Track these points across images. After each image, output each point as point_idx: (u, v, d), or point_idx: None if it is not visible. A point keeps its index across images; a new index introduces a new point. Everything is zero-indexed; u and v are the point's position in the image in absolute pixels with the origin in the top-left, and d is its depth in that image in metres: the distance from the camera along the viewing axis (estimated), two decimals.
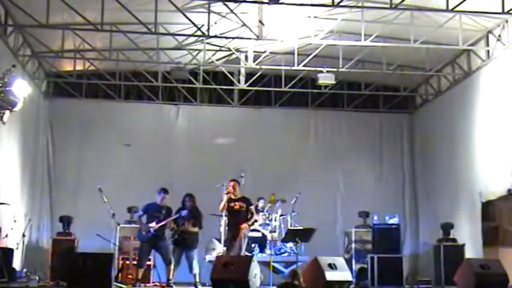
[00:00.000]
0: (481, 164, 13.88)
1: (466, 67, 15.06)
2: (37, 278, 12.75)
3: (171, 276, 12.03)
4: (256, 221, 13.06)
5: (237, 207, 12.24)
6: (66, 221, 14.35)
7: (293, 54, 14.74)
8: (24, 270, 13.10)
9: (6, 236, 11.90)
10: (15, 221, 13.02)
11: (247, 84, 16.63)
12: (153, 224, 11.91)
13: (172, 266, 12.01)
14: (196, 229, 12.24)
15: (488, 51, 14.04)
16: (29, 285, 11.52)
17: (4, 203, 11.30)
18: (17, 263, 13.00)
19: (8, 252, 12.00)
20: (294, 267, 12.54)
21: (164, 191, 12.38)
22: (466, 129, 14.69)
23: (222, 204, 12.22)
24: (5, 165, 13.09)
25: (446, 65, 15.88)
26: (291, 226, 13.71)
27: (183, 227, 12.18)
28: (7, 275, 10.54)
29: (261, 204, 14.31)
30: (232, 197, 12.27)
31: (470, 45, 13.83)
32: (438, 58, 15.34)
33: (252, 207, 12.45)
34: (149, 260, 13.02)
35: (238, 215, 12.23)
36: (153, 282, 13.15)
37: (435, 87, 17.03)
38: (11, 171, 13.73)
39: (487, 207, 13.37)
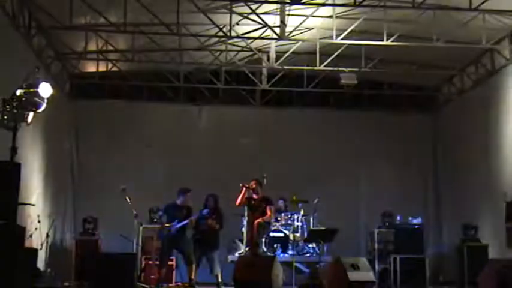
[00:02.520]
0: (505, 164, 13.76)
1: (490, 66, 14.94)
2: (61, 278, 12.84)
3: (192, 276, 12.06)
4: (268, 220, 13.12)
5: (256, 203, 12.37)
6: (89, 221, 14.46)
7: (315, 54, 14.70)
8: (48, 270, 13.19)
9: (31, 236, 11.99)
10: (39, 222, 13.10)
11: (269, 85, 16.62)
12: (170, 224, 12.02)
13: (194, 266, 12.05)
14: (217, 226, 12.27)
15: None
16: (53, 286, 11.59)
17: (29, 204, 11.38)
18: (41, 263, 13.10)
19: (33, 253, 12.11)
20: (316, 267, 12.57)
21: (185, 191, 12.43)
22: (489, 129, 14.57)
23: (240, 198, 12.36)
24: (29, 166, 13.19)
25: (469, 64, 15.77)
26: (312, 226, 13.69)
27: (204, 226, 12.23)
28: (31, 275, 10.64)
29: (280, 205, 14.28)
30: (254, 195, 12.37)
31: (494, 44, 13.72)
32: (461, 57, 15.24)
33: (271, 207, 12.54)
34: (171, 260, 13.05)
35: (257, 212, 12.36)
36: (175, 283, 13.19)
37: (458, 86, 16.90)
38: (35, 171, 13.84)
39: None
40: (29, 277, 10.24)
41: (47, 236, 13.53)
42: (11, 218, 7.19)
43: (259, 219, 12.58)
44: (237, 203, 12.57)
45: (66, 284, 12.14)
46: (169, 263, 12.55)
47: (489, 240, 13.76)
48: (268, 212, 12.78)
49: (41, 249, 13.04)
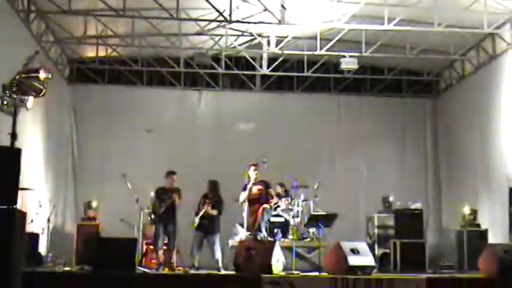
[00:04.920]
0: (507, 149, 13.75)
1: (491, 51, 14.89)
2: (62, 262, 12.88)
3: (173, 260, 12.18)
4: (277, 203, 13.15)
5: (256, 192, 12.38)
6: (90, 206, 14.50)
7: (315, 39, 14.67)
8: (50, 255, 13.24)
9: (32, 221, 12.01)
10: (40, 206, 13.15)
11: (269, 70, 16.61)
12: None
13: (174, 251, 12.20)
14: (214, 212, 12.30)
15: None
16: (54, 270, 11.63)
17: (29, 189, 11.39)
18: (42, 248, 13.15)
19: (34, 237, 12.15)
20: (314, 253, 12.63)
21: (168, 173, 12.49)
22: (490, 114, 14.55)
23: (243, 197, 12.42)
24: (30, 151, 13.20)
25: (470, 48, 15.73)
26: (313, 211, 13.70)
27: (203, 211, 12.28)
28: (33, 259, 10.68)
29: (278, 189, 14.25)
30: (252, 180, 12.41)
31: (495, 28, 13.68)
32: (462, 42, 15.21)
33: (271, 190, 12.57)
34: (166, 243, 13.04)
35: (259, 199, 12.37)
36: (176, 267, 13.21)
37: (459, 71, 16.87)
38: (35, 156, 13.85)
39: None
40: (31, 262, 10.29)
41: (48, 220, 13.56)
42: (12, 203, 7.18)
43: (265, 205, 12.65)
44: (241, 201, 12.69)
45: (68, 268, 12.17)
46: (165, 247, 12.53)
47: (491, 225, 13.78)
48: (274, 199, 12.83)
49: (42, 234, 13.09)
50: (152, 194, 14.00)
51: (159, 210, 12.25)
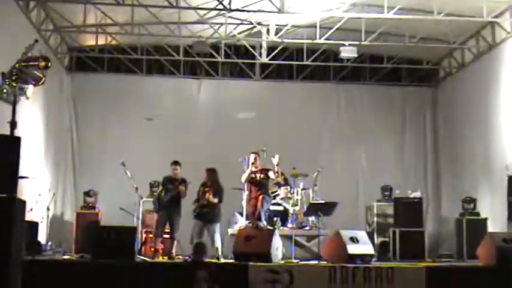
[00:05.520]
0: (507, 137, 13.75)
1: (491, 39, 14.86)
2: (62, 251, 12.92)
3: (173, 250, 12.21)
4: (276, 192, 13.14)
5: (258, 178, 12.34)
6: (89, 195, 14.52)
7: (315, 27, 14.64)
8: (49, 243, 13.27)
9: (31, 209, 12.03)
10: (39, 195, 13.17)
11: (268, 58, 16.58)
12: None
13: (175, 242, 12.22)
14: (215, 200, 12.29)
15: None
16: (54, 258, 11.66)
17: (28, 177, 11.40)
18: (42, 236, 13.18)
19: (33, 226, 12.17)
20: (313, 242, 12.63)
21: (172, 163, 12.50)
22: (490, 102, 14.55)
23: (246, 175, 12.32)
24: (29, 140, 13.20)
25: (470, 37, 15.71)
26: (312, 200, 13.72)
27: (203, 200, 12.27)
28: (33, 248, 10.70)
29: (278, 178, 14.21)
30: (253, 169, 12.35)
31: (495, 17, 13.66)
32: (462, 30, 15.18)
33: (272, 173, 12.56)
34: (167, 232, 13.06)
35: (260, 186, 12.34)
36: (176, 255, 13.24)
37: (459, 60, 16.85)
38: (34, 145, 13.86)
39: None
40: (30, 250, 10.31)
41: (48, 209, 13.59)
42: (12, 192, 7.19)
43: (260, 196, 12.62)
44: (243, 180, 12.56)
45: (67, 257, 12.20)
46: (166, 236, 12.55)
47: (490, 214, 13.80)
48: (273, 174, 12.73)
49: (41, 222, 13.11)
50: (150, 182, 14.11)
51: (164, 198, 12.28)
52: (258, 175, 12.39)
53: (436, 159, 17.86)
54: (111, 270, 9.67)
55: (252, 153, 12.52)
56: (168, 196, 12.26)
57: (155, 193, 13.56)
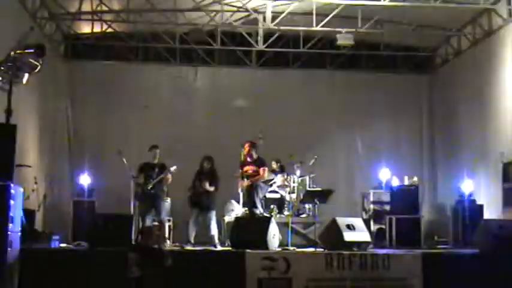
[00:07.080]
0: (502, 125, 13.77)
1: (487, 26, 14.85)
2: (58, 239, 12.91)
3: (166, 234, 12.24)
4: (262, 179, 13.17)
5: (249, 171, 12.42)
6: (86, 183, 14.51)
7: (312, 14, 14.61)
8: (46, 231, 13.25)
9: (28, 197, 12.01)
10: (36, 183, 13.14)
11: (265, 46, 16.53)
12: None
13: (166, 226, 12.29)
14: (211, 188, 12.28)
15: (510, 10, 13.81)
16: (50, 246, 11.66)
17: (25, 165, 11.39)
18: (38, 225, 13.16)
19: (30, 214, 12.15)
20: (310, 229, 12.66)
21: (150, 148, 12.45)
22: (486, 90, 14.55)
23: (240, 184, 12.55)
24: (25, 128, 13.17)
25: (466, 24, 15.68)
26: (309, 187, 13.74)
27: (198, 188, 12.26)
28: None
29: (274, 166, 14.26)
30: (248, 159, 12.37)
31: (492, 4, 13.64)
32: (458, 17, 15.16)
33: (265, 168, 12.58)
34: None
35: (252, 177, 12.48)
36: (173, 243, 13.25)
37: (455, 47, 16.83)
38: (31, 133, 13.83)
39: (508, 167, 13.26)
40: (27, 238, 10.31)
41: (44, 197, 13.56)
42: (8, 180, 7.20)
43: (247, 182, 12.68)
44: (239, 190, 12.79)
45: (64, 245, 12.20)
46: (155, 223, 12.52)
47: (486, 201, 13.83)
48: (261, 172, 12.82)
49: (38, 210, 13.08)
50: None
51: (146, 186, 12.22)
52: (249, 167, 12.48)
53: (432, 147, 17.86)
54: (107, 258, 9.67)
55: (247, 142, 12.51)
56: (150, 183, 12.19)
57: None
